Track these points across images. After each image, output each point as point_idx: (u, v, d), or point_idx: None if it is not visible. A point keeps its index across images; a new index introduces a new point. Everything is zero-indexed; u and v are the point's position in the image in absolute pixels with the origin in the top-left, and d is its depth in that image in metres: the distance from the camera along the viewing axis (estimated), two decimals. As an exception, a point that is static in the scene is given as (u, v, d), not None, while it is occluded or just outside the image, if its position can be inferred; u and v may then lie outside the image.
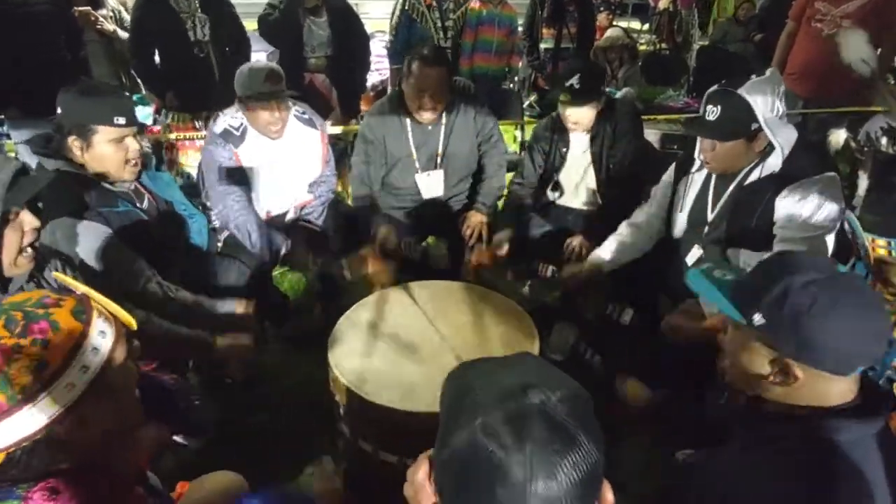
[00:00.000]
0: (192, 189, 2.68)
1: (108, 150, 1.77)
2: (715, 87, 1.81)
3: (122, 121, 1.76)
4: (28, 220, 1.27)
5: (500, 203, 2.88)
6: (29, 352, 0.76)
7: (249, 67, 2.36)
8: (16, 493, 0.77)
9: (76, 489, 0.81)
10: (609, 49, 5.26)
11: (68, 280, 0.93)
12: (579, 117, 2.44)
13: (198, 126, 3.30)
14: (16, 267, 1.27)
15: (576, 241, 2.47)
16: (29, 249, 1.28)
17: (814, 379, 0.94)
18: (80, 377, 0.80)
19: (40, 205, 1.38)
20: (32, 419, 0.76)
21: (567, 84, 2.36)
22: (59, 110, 1.76)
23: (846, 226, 1.32)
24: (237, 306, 1.90)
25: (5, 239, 1.23)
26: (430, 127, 2.59)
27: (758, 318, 0.97)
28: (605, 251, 2.23)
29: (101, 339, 0.84)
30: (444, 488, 0.70)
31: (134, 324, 0.93)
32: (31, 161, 1.94)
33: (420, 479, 0.75)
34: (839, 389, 0.95)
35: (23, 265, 1.28)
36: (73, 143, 1.74)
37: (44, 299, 0.83)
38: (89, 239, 1.68)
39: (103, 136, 1.75)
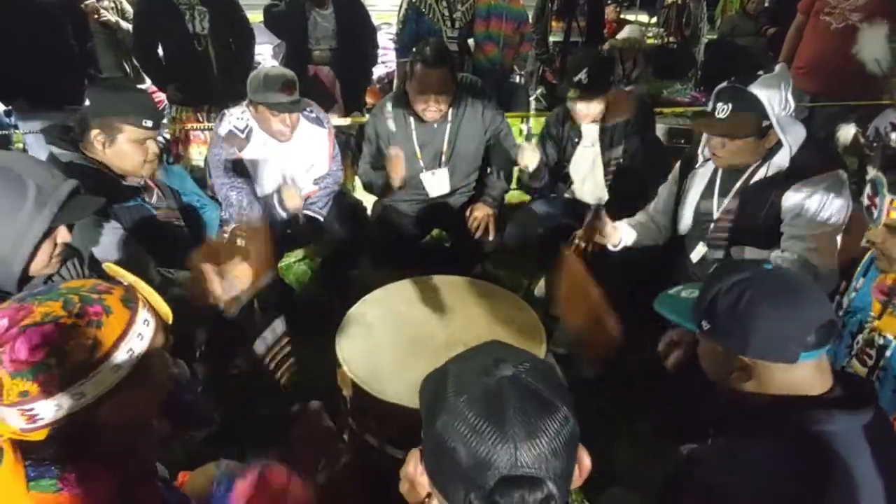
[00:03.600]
0: (200, 182, 2.69)
1: (129, 150, 1.79)
2: (725, 84, 1.80)
3: (149, 124, 1.79)
4: (63, 233, 1.30)
5: (508, 196, 2.87)
6: (85, 331, 0.81)
7: (265, 74, 2.31)
8: (53, 471, 0.81)
9: (108, 475, 0.85)
10: (625, 50, 5.19)
11: (118, 270, 0.97)
12: (589, 111, 2.44)
13: (201, 119, 3.30)
14: (47, 268, 1.30)
15: (580, 234, 2.47)
16: (59, 255, 1.32)
17: (767, 370, 1.00)
18: (125, 360, 0.84)
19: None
20: (80, 398, 0.80)
21: (575, 79, 2.35)
22: (86, 103, 1.79)
23: (867, 189, 1.32)
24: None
25: (40, 249, 1.26)
26: (435, 125, 2.59)
27: (704, 324, 1.07)
28: (623, 225, 2.21)
29: (146, 327, 0.89)
30: (436, 473, 0.72)
31: (171, 316, 0.98)
32: (41, 152, 1.96)
33: (411, 472, 0.77)
34: (801, 376, 1.00)
35: (53, 266, 1.32)
36: (97, 137, 1.76)
37: (97, 286, 0.88)
38: (103, 236, 1.70)
39: (128, 135, 1.77)
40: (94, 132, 1.75)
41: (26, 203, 1.20)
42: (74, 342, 0.79)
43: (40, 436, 0.80)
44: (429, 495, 0.76)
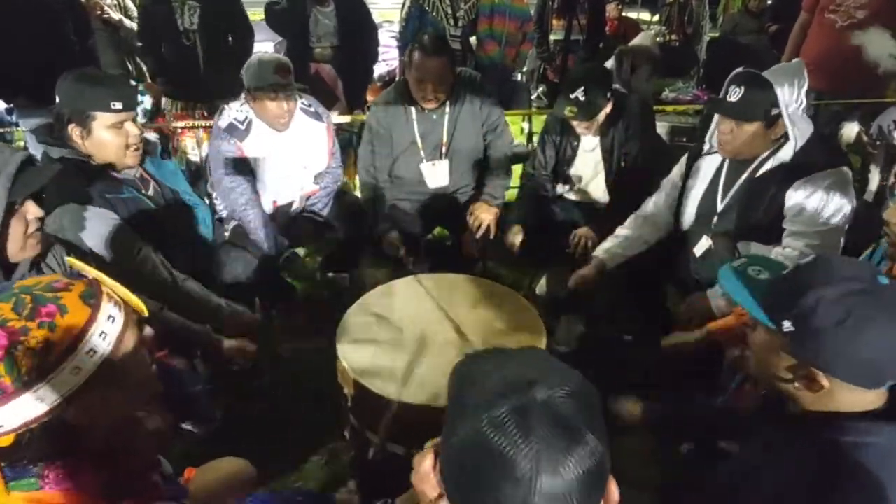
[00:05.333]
0: (192, 175, 2.70)
1: (107, 136, 1.76)
2: (741, 69, 1.82)
3: (118, 105, 1.75)
4: (32, 210, 1.28)
5: (510, 194, 2.87)
6: (36, 335, 0.76)
7: (259, 59, 2.34)
8: (32, 471, 0.79)
9: (91, 472, 0.82)
10: (636, 56, 5.12)
11: (81, 265, 0.92)
12: (588, 124, 2.41)
13: (189, 114, 3.29)
14: (25, 251, 1.28)
15: (581, 233, 2.46)
16: (36, 233, 1.30)
17: (840, 389, 0.92)
18: (86, 361, 0.79)
19: (44, 195, 1.38)
20: (39, 402, 0.77)
21: (571, 97, 2.29)
22: (57, 99, 1.76)
23: (872, 174, 1.31)
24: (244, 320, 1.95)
25: (11, 229, 1.24)
26: (434, 116, 2.59)
27: (787, 325, 0.94)
28: (610, 246, 2.22)
29: (110, 324, 0.83)
30: (449, 480, 0.70)
31: (145, 310, 0.92)
32: (39, 150, 1.95)
33: (426, 470, 0.75)
34: (868, 399, 0.93)
35: (32, 247, 1.30)
36: (73, 130, 1.74)
37: (54, 283, 0.83)
38: (96, 225, 1.69)
39: (102, 122, 1.75)
40: (71, 126, 1.74)
41: None
42: (23, 347, 0.75)
43: (6, 441, 0.77)
44: (440, 496, 0.73)
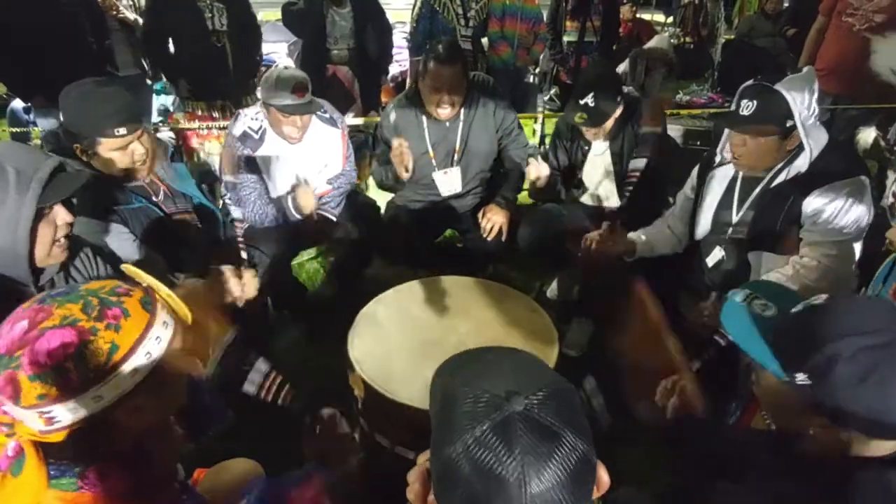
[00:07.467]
0: (206, 176, 2.71)
1: (113, 157, 1.76)
2: (751, 82, 1.78)
3: (122, 131, 1.72)
4: (62, 214, 1.29)
5: (521, 196, 2.86)
6: (104, 335, 0.80)
7: (277, 76, 2.30)
8: (73, 471, 0.82)
9: (125, 475, 0.85)
10: (651, 59, 5.08)
11: (135, 271, 0.96)
12: (597, 130, 2.39)
13: (214, 114, 3.34)
14: (50, 258, 1.30)
15: (593, 237, 2.45)
16: (63, 240, 1.31)
17: (860, 440, 0.88)
18: (143, 363, 0.84)
19: (74, 200, 1.39)
20: (96, 401, 0.80)
21: (581, 102, 2.27)
22: (61, 116, 1.75)
23: (893, 187, 1.30)
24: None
25: (39, 233, 1.25)
26: (447, 123, 2.58)
27: (801, 378, 0.88)
28: (641, 234, 2.19)
29: (164, 328, 0.88)
30: (441, 496, 0.71)
31: (189, 318, 0.97)
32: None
33: (419, 490, 0.76)
34: (890, 446, 0.88)
35: (57, 255, 1.31)
36: (78, 149, 1.74)
37: (116, 288, 0.87)
38: (111, 241, 1.70)
39: (107, 145, 1.74)
40: (76, 146, 1.73)
41: (8, 188, 1.20)
42: (93, 346, 0.79)
43: (59, 437, 0.80)
44: None
